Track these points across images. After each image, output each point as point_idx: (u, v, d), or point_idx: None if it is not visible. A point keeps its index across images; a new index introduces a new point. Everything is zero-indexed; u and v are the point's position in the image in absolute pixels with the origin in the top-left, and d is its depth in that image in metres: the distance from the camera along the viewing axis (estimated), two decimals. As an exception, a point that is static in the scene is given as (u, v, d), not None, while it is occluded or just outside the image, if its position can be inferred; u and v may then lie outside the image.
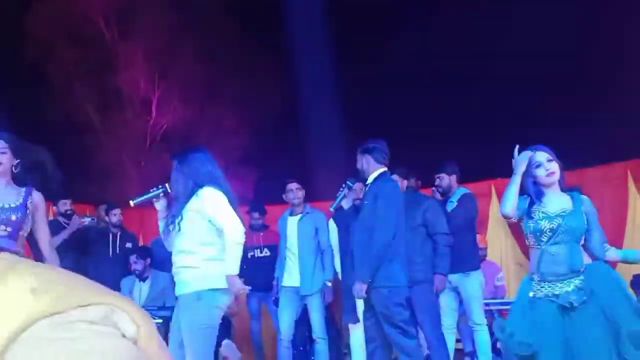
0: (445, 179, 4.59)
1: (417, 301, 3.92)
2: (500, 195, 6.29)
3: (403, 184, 4.27)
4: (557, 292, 2.70)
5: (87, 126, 11.11)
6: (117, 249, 5.51)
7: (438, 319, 4.14)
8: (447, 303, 4.40)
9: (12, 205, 2.84)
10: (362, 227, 3.61)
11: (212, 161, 3.05)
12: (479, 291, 4.46)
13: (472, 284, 4.41)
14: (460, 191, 4.61)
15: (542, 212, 2.79)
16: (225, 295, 2.92)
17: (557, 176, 2.82)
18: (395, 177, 4.05)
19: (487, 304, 4.85)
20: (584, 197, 2.83)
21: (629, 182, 5.92)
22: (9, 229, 2.79)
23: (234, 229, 2.90)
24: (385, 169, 3.75)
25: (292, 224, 4.67)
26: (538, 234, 2.78)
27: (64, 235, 5.07)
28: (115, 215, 5.40)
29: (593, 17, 9.28)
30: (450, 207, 4.52)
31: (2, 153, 2.85)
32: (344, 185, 4.29)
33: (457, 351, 4.70)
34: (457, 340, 4.77)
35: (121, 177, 10.39)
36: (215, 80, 11.16)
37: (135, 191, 10.03)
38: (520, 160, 2.82)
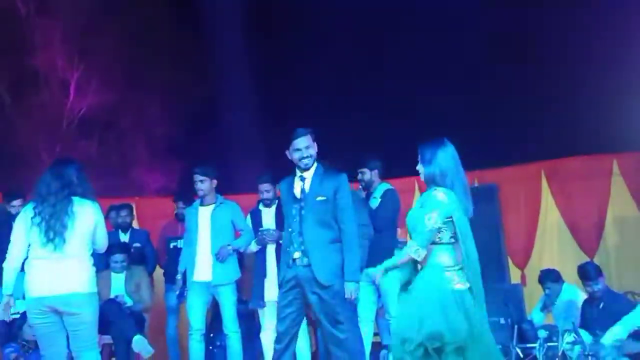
0: (367, 174, 4.60)
1: None
2: (423, 191, 6.49)
3: (375, 175, 4.40)
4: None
5: (-1, 108, 10.38)
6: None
7: (355, 311, 4.14)
8: (365, 296, 4.40)
9: None
10: (318, 222, 3.57)
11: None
12: (397, 285, 4.50)
13: (391, 278, 4.44)
14: (382, 187, 4.63)
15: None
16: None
17: (422, 176, 2.93)
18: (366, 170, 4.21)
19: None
20: (432, 193, 2.83)
21: (542, 181, 6.17)
22: None
23: None
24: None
25: (204, 214, 4.53)
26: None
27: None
28: (15, 207, 4.95)
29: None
30: (374, 203, 4.52)
31: None
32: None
33: (375, 344, 4.73)
34: (375, 334, 4.80)
35: (34, 163, 9.75)
36: (139, 65, 10.72)
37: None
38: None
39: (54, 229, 3.18)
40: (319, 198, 3.53)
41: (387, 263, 2.76)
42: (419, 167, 2.93)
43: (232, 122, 11.58)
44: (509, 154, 7.26)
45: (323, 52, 10.54)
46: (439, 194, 2.78)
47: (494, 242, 5.16)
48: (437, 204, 2.76)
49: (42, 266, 3.22)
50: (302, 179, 3.61)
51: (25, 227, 3.26)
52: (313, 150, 3.58)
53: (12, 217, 5.06)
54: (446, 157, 2.88)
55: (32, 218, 3.23)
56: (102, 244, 3.43)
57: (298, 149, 3.56)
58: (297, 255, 3.52)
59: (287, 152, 3.65)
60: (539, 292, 5.17)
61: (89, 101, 10.94)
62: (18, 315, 4.35)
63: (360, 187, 4.70)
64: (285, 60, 11.10)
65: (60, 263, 3.20)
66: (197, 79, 10.94)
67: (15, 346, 4.13)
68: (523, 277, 5.97)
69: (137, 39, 10.66)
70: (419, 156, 2.93)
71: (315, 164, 3.63)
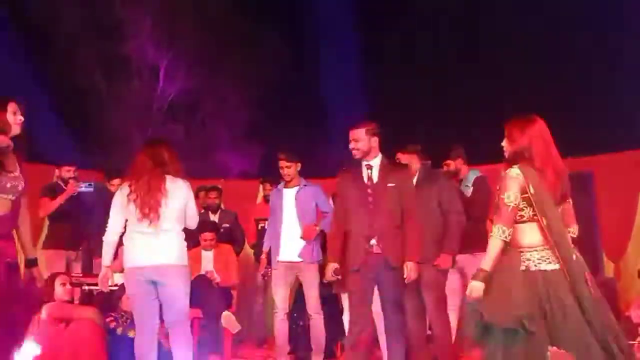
0: (451, 165, 4.67)
1: (425, 279, 3.87)
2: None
3: (414, 159, 4.24)
4: None
5: (92, 92, 10.99)
6: (119, 216, 5.47)
7: (444, 298, 4.09)
8: (450, 283, 4.34)
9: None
10: (389, 209, 3.65)
11: None
12: None
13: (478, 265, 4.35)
14: (473, 174, 4.64)
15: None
16: None
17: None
18: (408, 152, 4.12)
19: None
20: (508, 172, 2.68)
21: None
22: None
23: None
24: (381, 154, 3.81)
25: (289, 196, 4.62)
26: None
27: (59, 200, 5.05)
28: (114, 186, 5.30)
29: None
30: (466, 191, 4.53)
31: None
32: None
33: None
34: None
35: (127, 145, 10.29)
36: (222, 51, 11.00)
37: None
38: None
39: (148, 205, 3.36)
40: (390, 185, 3.65)
41: (488, 262, 2.66)
42: (504, 144, 2.81)
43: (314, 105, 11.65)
44: (605, 140, 6.86)
45: (416, 40, 10.39)
46: (513, 171, 2.67)
47: (588, 233, 4.94)
48: (511, 182, 2.64)
49: (139, 239, 3.42)
50: (369, 167, 3.74)
51: (122, 203, 3.46)
52: (363, 144, 3.70)
53: (112, 195, 5.41)
54: (533, 135, 2.73)
55: (128, 195, 3.43)
56: (194, 220, 3.57)
57: (350, 141, 3.74)
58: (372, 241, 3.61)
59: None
60: (634, 288, 4.90)
61: (177, 87, 11.38)
62: (116, 287, 4.62)
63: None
64: (374, 44, 11.03)
65: (154, 236, 3.39)
66: (276, 63, 11.07)
67: (115, 316, 4.37)
68: (617, 271, 5.66)
69: (221, 26, 10.92)
70: (505, 133, 2.82)
71: (380, 156, 3.77)
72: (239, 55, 11.08)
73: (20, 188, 2.81)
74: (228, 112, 11.58)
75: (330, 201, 4.71)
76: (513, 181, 2.64)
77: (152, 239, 3.39)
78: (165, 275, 3.39)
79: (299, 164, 4.66)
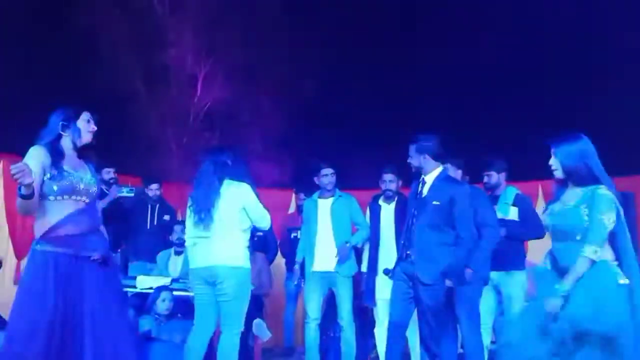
0: (494, 177, 4.53)
1: (458, 296, 3.83)
2: (547, 197, 6.18)
3: (457, 174, 4.25)
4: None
5: (132, 99, 11.24)
6: (155, 220, 5.58)
7: (477, 316, 4.03)
8: (486, 301, 4.27)
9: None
10: (430, 225, 3.64)
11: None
12: (521, 292, 4.32)
13: (514, 284, 4.28)
14: (511, 191, 4.53)
15: (549, 208, 2.82)
16: None
17: (559, 173, 2.78)
18: (449, 166, 4.11)
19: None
20: (600, 192, 2.66)
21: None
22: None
23: None
24: (442, 167, 3.79)
25: (324, 207, 4.60)
26: (548, 229, 2.83)
27: (102, 204, 5.16)
28: (152, 190, 5.45)
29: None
30: (503, 208, 4.43)
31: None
32: None
33: (493, 352, 4.57)
34: (493, 342, 4.63)
35: (164, 151, 10.48)
36: (257, 62, 11.13)
37: (176, 167, 10.19)
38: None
39: (204, 210, 3.52)
40: (435, 202, 3.62)
41: (570, 279, 2.64)
42: (554, 162, 2.79)
43: (347, 119, 11.68)
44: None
45: (444, 51, 10.34)
46: (607, 192, 2.66)
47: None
48: (611, 203, 2.66)
49: (198, 242, 3.61)
50: (424, 182, 3.75)
51: (189, 211, 3.68)
52: (415, 161, 3.75)
53: (149, 199, 5.54)
54: (587, 152, 2.75)
55: (189, 201, 3.67)
56: (258, 221, 3.67)
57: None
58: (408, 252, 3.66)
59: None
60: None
61: (214, 96, 11.54)
62: (152, 290, 4.70)
63: (485, 189, 4.58)
64: (405, 54, 11.01)
65: (209, 239, 3.54)
66: (310, 74, 11.14)
67: (149, 318, 4.44)
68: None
69: (258, 37, 11.07)
70: (554, 151, 2.79)
71: (440, 169, 3.74)
72: (278, 67, 11.19)
73: (93, 192, 2.89)
74: (263, 122, 11.70)
75: (367, 214, 4.72)
76: (611, 203, 2.65)
77: (207, 241, 3.55)
78: (215, 275, 3.54)
79: (334, 174, 4.69)
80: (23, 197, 2.53)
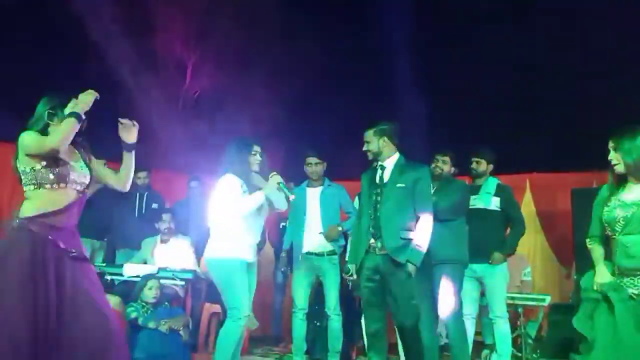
0: (483, 165, 4.48)
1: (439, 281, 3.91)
2: (534, 189, 6.22)
3: (449, 169, 4.30)
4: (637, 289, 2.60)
5: (121, 86, 11.14)
6: (143, 209, 5.55)
7: (459, 305, 4.08)
8: (469, 292, 4.31)
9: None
10: (398, 209, 3.56)
11: None
12: (504, 284, 4.37)
13: (497, 275, 4.32)
14: (493, 181, 4.49)
15: (619, 200, 2.74)
16: None
17: (621, 167, 2.74)
18: (440, 159, 4.19)
19: (511, 298, 4.75)
20: None
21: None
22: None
23: None
24: (399, 154, 3.72)
25: (313, 195, 4.62)
26: (612, 222, 2.72)
27: (90, 189, 5.11)
28: (140, 178, 5.41)
29: None
30: (485, 198, 4.39)
31: None
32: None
33: (477, 343, 4.63)
34: (477, 333, 4.69)
35: (152, 139, 10.41)
36: (248, 50, 11.08)
37: (165, 155, 10.14)
38: None
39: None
40: (399, 185, 3.60)
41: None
42: (614, 157, 2.79)
43: (338, 108, 11.67)
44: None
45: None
46: None
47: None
48: None
49: None
50: (382, 167, 3.70)
51: None
52: (373, 146, 3.67)
53: (138, 187, 5.50)
54: None
55: None
56: (236, 213, 3.70)
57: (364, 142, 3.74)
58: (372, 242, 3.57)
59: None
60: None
61: (203, 84, 11.50)
62: (139, 278, 4.69)
63: (471, 175, 4.57)
64: (396, 43, 10.97)
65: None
66: (302, 63, 11.10)
67: (136, 306, 4.44)
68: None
69: (249, 25, 11.01)
70: (615, 145, 2.78)
71: (398, 155, 3.70)
72: (269, 55, 11.14)
73: (86, 180, 2.84)
74: (253, 110, 11.66)
75: (355, 202, 4.72)
76: None
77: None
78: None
79: (325, 164, 4.68)
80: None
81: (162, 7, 11.15)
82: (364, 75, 11.67)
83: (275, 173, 3.75)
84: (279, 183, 3.70)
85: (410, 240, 3.48)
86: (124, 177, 3.03)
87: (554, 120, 9.85)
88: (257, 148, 3.84)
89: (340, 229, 4.53)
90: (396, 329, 3.77)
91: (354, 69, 11.78)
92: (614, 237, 2.73)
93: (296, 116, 11.39)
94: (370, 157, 3.72)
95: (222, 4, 11.00)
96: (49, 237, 2.63)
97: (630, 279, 2.65)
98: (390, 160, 3.68)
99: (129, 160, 3.04)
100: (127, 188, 3.07)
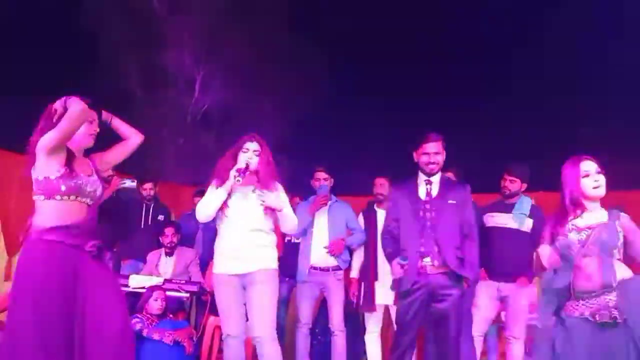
0: (517, 184, 4.22)
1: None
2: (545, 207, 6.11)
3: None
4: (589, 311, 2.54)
5: (130, 99, 11.26)
6: (149, 220, 5.57)
7: (469, 323, 4.04)
8: (483, 310, 4.25)
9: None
10: (451, 224, 3.48)
11: None
12: (526, 306, 4.28)
13: (523, 298, 4.24)
14: (527, 201, 4.25)
15: (572, 224, 2.65)
16: None
17: (602, 190, 2.66)
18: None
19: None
20: (623, 213, 2.65)
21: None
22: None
23: None
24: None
25: (321, 210, 4.60)
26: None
27: (105, 194, 5.13)
28: (146, 189, 5.46)
29: None
30: (519, 218, 4.17)
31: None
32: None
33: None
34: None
35: (160, 152, 10.51)
36: (257, 66, 11.17)
37: (172, 167, 10.21)
38: None
39: None
40: (451, 202, 3.49)
41: None
42: (603, 179, 2.69)
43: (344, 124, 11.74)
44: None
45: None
46: None
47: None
48: None
49: None
50: (429, 182, 3.56)
51: None
52: (441, 157, 3.54)
53: (144, 199, 5.54)
54: None
55: None
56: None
57: (426, 153, 3.53)
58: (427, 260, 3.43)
59: (414, 153, 3.64)
60: None
61: (212, 98, 11.60)
62: (144, 290, 4.69)
63: (503, 194, 4.33)
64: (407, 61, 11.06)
65: None
66: (310, 78, 11.18)
67: (141, 318, 4.43)
68: None
69: (258, 43, 11.12)
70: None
71: (440, 173, 3.59)
72: (275, 71, 11.23)
73: (98, 193, 2.82)
74: (260, 125, 11.74)
75: (360, 219, 4.72)
76: None
77: None
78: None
79: (332, 180, 4.69)
80: None
81: (173, 23, 11.30)
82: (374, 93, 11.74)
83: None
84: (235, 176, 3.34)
85: (463, 257, 3.45)
86: (127, 135, 3.04)
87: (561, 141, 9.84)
88: (250, 145, 3.49)
89: (343, 241, 4.52)
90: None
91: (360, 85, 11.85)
92: None
93: (302, 130, 11.46)
94: (436, 170, 3.54)
95: (231, 21, 11.13)
96: (65, 249, 2.64)
97: (583, 302, 2.58)
98: (437, 176, 3.58)
99: (119, 125, 3.06)
100: (138, 137, 3.06)
